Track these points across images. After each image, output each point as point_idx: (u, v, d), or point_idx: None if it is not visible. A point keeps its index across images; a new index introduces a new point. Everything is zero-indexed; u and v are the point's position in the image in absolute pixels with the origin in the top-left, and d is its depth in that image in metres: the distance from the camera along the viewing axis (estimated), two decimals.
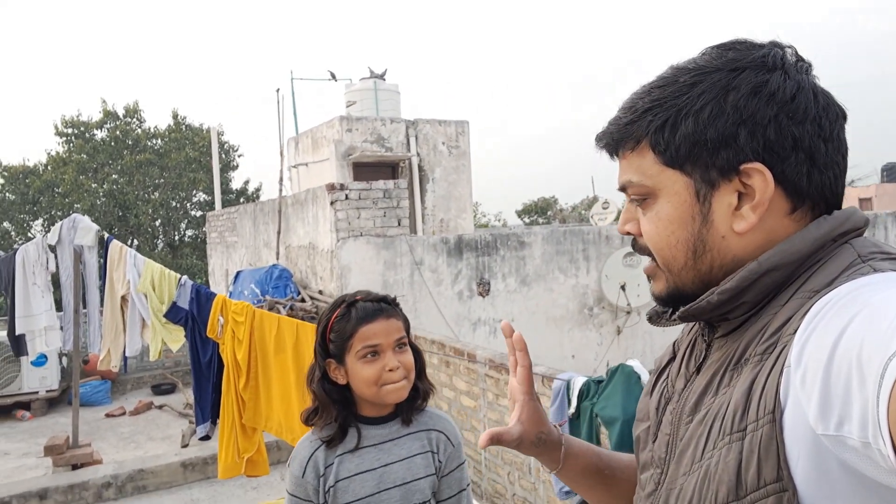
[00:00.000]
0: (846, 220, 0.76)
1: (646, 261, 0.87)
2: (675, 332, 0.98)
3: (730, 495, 0.68)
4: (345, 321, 1.55)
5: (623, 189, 0.85)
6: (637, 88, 0.83)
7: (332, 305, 1.61)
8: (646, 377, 2.87)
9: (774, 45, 0.78)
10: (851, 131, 0.82)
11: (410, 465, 1.57)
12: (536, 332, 7.68)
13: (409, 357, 1.58)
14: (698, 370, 0.83)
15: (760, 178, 0.74)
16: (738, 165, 0.75)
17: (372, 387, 1.53)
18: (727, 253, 0.78)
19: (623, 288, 8.05)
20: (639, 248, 0.87)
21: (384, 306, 1.58)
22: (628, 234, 0.87)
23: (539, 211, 27.26)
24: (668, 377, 0.90)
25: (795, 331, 0.65)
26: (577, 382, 3.25)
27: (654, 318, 0.92)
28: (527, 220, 26.64)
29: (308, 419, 1.60)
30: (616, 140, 0.83)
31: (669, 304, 0.86)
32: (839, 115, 0.78)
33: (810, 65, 0.79)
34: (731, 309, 0.77)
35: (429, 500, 1.57)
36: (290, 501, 1.57)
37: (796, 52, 0.79)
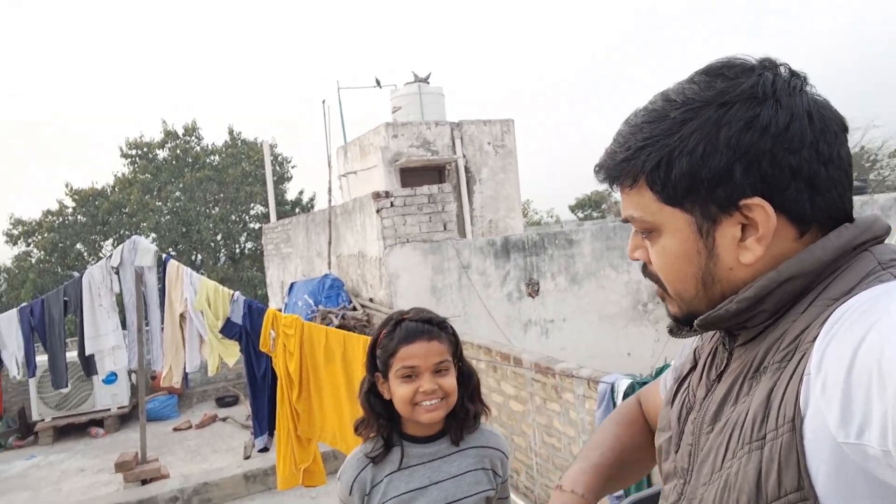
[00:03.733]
0: (867, 229, 0.75)
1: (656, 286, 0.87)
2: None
3: None
4: (388, 339, 1.55)
5: (627, 221, 0.86)
6: (629, 115, 0.82)
7: (385, 321, 1.61)
8: None
9: (765, 66, 0.76)
10: None
11: (460, 482, 1.56)
12: (590, 330, 7.58)
13: (449, 381, 1.54)
14: (719, 378, 0.82)
15: (761, 212, 0.73)
16: (737, 201, 0.74)
17: (406, 406, 1.52)
18: (737, 283, 0.77)
19: None
20: (649, 274, 0.87)
21: (427, 328, 1.54)
22: (637, 259, 0.87)
23: (593, 205, 26.88)
24: (689, 386, 0.90)
25: (815, 338, 0.65)
26: (622, 385, 3.19)
27: (675, 331, 0.91)
28: (580, 215, 26.30)
29: (356, 428, 1.62)
30: (613, 176, 0.83)
31: (687, 324, 0.86)
32: (838, 132, 0.75)
33: (805, 79, 0.76)
34: (749, 317, 0.76)
35: None
36: None
37: (790, 69, 0.76)
